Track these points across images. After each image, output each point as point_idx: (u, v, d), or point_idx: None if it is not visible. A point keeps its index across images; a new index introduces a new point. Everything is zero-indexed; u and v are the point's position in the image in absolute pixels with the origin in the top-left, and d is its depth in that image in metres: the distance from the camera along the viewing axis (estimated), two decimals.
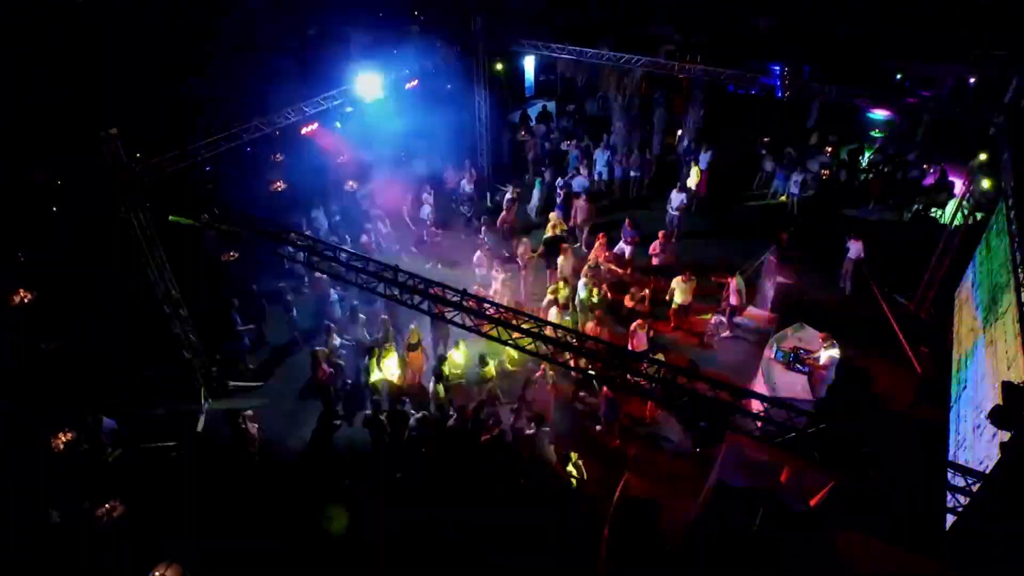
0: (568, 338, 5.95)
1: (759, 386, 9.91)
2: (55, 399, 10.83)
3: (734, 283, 11.77)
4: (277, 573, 8.77)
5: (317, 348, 10.95)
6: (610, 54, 14.66)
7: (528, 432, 9.50)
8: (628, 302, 12.22)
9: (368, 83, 12.51)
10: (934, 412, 10.29)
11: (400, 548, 8.75)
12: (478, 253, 13.54)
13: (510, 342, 6.12)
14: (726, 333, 12.03)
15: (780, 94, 20.62)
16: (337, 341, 11.46)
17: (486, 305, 6.35)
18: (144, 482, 9.86)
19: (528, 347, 6.11)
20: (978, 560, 5.61)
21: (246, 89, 13.56)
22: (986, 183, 9.79)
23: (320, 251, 7.53)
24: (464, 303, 6.34)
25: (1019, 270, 7.08)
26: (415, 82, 14.79)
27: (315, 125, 12.57)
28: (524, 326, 6.03)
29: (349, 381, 11.53)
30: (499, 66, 16.89)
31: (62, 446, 10.29)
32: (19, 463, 9.95)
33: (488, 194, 17.88)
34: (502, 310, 6.27)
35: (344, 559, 8.76)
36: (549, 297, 12.35)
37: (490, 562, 8.59)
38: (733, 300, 11.83)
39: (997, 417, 5.55)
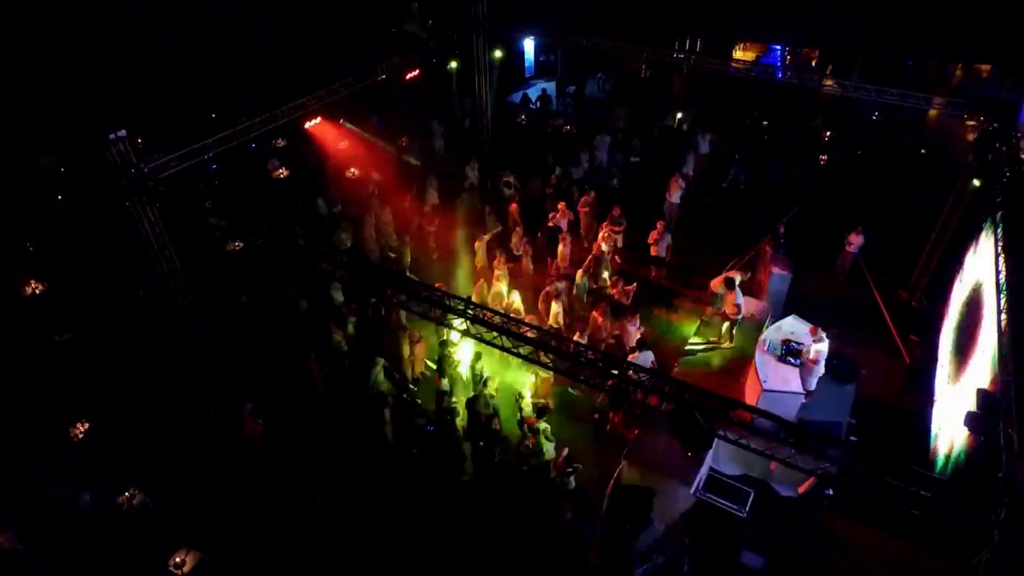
0: (565, 347, 6.27)
1: (752, 378, 10.24)
2: (70, 390, 11.20)
3: (732, 296, 11.22)
4: (289, 559, 9.21)
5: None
6: (612, 43, 14.68)
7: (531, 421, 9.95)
8: (613, 291, 12.47)
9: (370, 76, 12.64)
10: (921, 401, 10.68)
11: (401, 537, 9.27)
12: (478, 243, 13.79)
13: (511, 349, 6.44)
14: (727, 345, 11.48)
15: (781, 76, 20.67)
16: (338, 336, 11.76)
17: (488, 313, 6.64)
18: (161, 470, 10.27)
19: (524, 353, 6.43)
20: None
21: (248, 83, 13.64)
22: (976, 182, 9.99)
23: (326, 257, 7.77)
24: (468, 311, 6.63)
25: (1000, 274, 7.36)
26: (417, 72, 14.82)
27: (318, 119, 12.64)
28: (527, 335, 6.34)
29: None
30: (498, 53, 16.81)
31: (80, 435, 10.70)
32: (40, 452, 10.35)
33: (488, 180, 18.00)
34: (503, 319, 6.57)
35: (351, 546, 9.20)
36: (548, 288, 12.64)
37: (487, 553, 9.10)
38: (731, 312, 11.30)
39: (971, 423, 5.89)
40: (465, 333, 6.79)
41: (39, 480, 5.95)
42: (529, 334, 6.57)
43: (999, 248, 7.77)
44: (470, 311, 6.57)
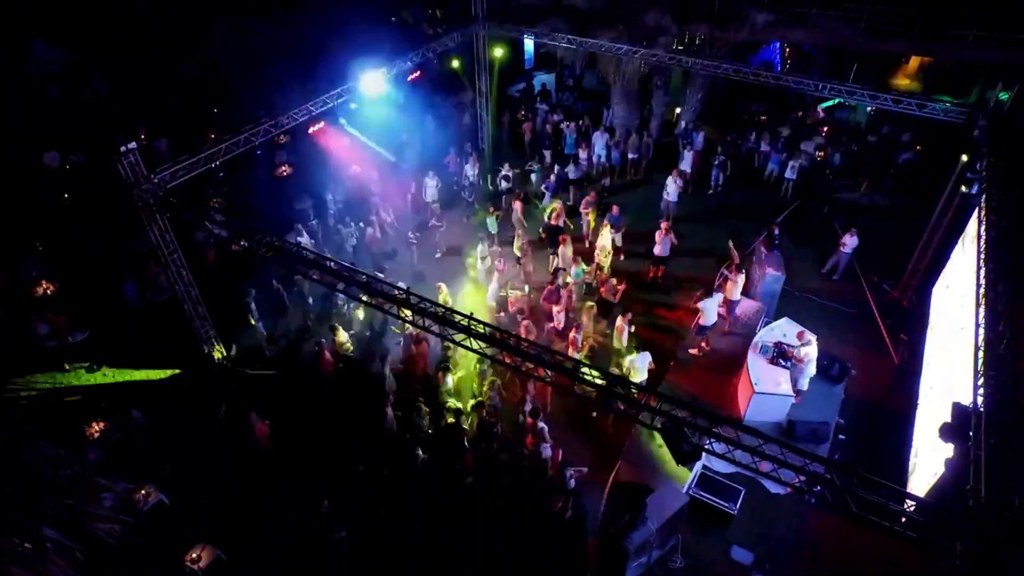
0: (567, 363, 6.60)
1: (744, 380, 10.58)
2: (84, 390, 11.57)
3: (701, 303, 11.53)
4: (299, 553, 9.64)
5: (323, 339, 11.68)
6: (609, 44, 14.83)
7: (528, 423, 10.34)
8: (604, 293, 12.78)
9: (372, 79, 12.81)
10: (907, 402, 11.00)
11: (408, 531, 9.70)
12: (481, 245, 14.05)
13: (510, 365, 6.78)
14: (692, 351, 11.86)
15: (779, 69, 20.77)
16: (344, 336, 12.07)
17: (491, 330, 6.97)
18: (175, 468, 10.67)
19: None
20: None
21: (252, 88, 13.81)
22: (964, 187, 10.21)
23: (333, 271, 8.06)
24: (471, 327, 6.96)
25: (980, 287, 7.65)
26: (418, 73, 14.97)
27: (321, 124, 12.85)
28: (527, 350, 6.67)
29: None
30: (499, 52, 16.99)
31: (96, 434, 11.07)
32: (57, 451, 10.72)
33: (489, 177, 18.20)
34: (506, 335, 6.89)
35: (360, 542, 9.60)
36: (549, 288, 12.94)
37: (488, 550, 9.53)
38: (702, 320, 11.63)
39: (945, 434, 6.24)
40: (465, 347, 7.12)
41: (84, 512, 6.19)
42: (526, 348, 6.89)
43: (981, 259, 8.04)
44: (472, 326, 6.90)
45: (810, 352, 10.28)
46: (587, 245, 14.87)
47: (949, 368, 8.75)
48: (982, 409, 5.99)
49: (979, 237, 8.51)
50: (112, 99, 19.33)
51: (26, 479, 2.92)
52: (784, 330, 11.12)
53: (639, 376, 10.92)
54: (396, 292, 7.66)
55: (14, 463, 2.97)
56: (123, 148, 9.40)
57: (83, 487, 2.91)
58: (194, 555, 9.28)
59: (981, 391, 6.19)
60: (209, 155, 10.54)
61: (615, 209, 14.74)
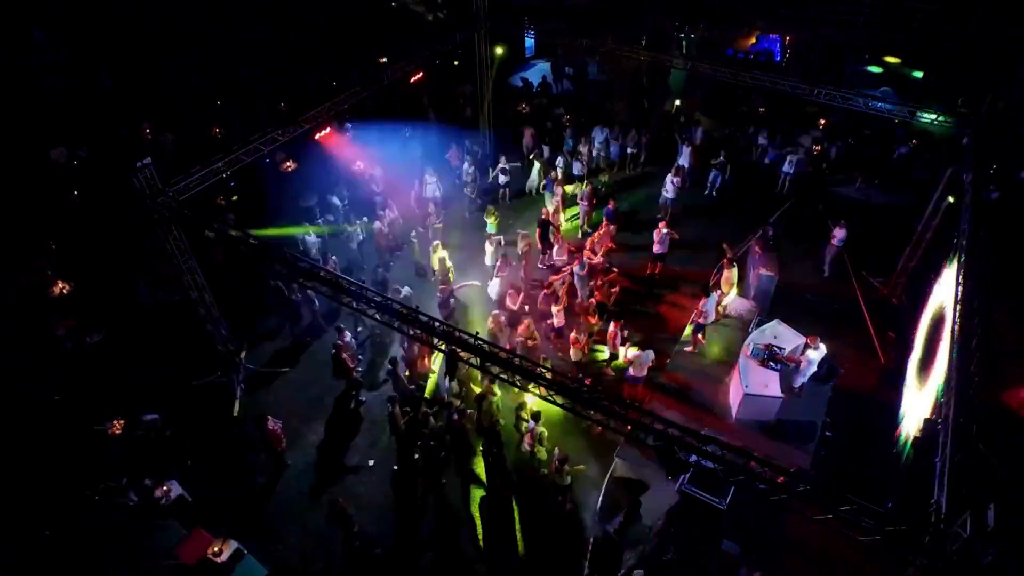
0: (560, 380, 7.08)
1: (736, 381, 11.05)
2: (103, 390, 12.04)
3: (703, 302, 11.95)
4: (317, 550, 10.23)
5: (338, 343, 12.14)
6: (609, 45, 15.00)
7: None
8: (598, 295, 13.22)
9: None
10: (892, 398, 11.47)
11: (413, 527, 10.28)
12: (487, 244, 14.44)
13: (514, 383, 7.25)
14: (688, 348, 12.23)
15: (779, 59, 20.84)
16: (348, 337, 12.49)
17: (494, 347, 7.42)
18: (194, 464, 11.22)
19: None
20: None
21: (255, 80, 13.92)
22: (951, 198, 10.53)
23: (344, 287, 8.48)
24: (477, 344, 7.41)
25: (958, 299, 8.04)
26: (420, 74, 15.17)
27: (328, 129, 13.13)
28: (524, 366, 7.14)
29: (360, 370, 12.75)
30: (499, 47, 17.14)
31: (118, 431, 11.59)
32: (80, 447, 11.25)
33: (489, 171, 18.44)
34: (508, 354, 7.35)
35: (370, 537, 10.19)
36: (547, 291, 13.35)
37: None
38: (701, 319, 12.05)
39: (916, 448, 6.71)
40: (470, 364, 7.58)
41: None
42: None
43: (960, 276, 8.41)
44: (477, 342, 7.35)
45: (815, 356, 10.69)
46: (579, 236, 15.16)
47: (927, 378, 9.19)
48: (950, 425, 6.45)
49: (960, 252, 8.86)
50: (115, 92, 19.48)
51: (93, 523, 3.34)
52: (776, 332, 11.54)
53: (638, 372, 11.41)
54: (403, 310, 8.08)
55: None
56: (139, 163, 9.74)
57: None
58: (215, 548, 9.84)
59: (951, 408, 6.64)
60: (219, 167, 10.86)
61: (611, 204, 15.08)
